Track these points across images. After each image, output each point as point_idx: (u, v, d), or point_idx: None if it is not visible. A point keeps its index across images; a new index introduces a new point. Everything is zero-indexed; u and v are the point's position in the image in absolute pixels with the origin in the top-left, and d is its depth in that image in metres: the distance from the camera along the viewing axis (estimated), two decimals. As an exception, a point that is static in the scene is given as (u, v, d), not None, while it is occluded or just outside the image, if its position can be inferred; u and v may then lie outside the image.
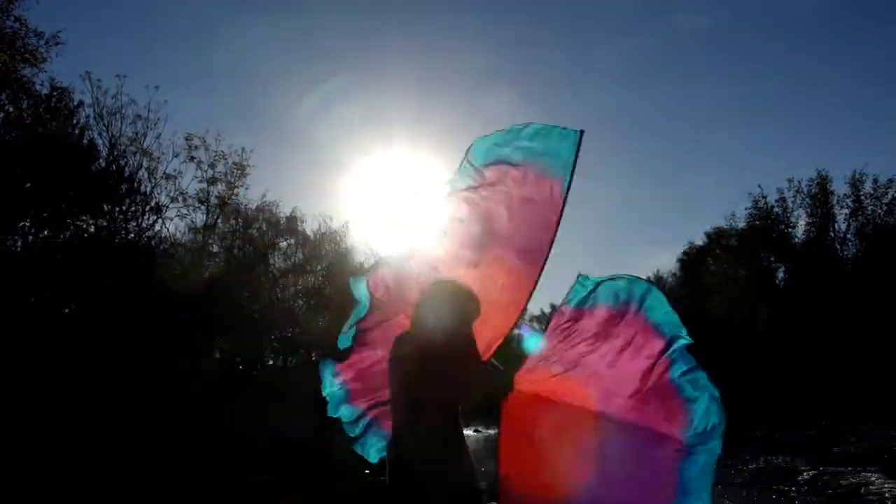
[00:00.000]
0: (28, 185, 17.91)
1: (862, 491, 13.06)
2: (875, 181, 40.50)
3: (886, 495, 12.12)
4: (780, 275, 44.58)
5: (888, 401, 27.31)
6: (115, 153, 22.73)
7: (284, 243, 31.97)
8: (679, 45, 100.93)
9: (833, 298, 37.68)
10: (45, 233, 19.28)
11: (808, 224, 42.64)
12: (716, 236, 49.06)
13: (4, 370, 13.79)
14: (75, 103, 21.20)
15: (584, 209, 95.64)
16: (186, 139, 25.49)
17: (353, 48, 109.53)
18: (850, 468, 15.08)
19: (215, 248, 27.99)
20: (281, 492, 13.24)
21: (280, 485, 13.73)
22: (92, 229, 21.02)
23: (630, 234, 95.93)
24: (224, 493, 12.56)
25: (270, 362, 31.29)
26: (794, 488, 13.05)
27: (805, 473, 14.79)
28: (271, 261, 31.44)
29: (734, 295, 43.07)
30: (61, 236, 19.65)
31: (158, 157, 24.24)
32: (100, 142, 22.43)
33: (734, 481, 13.91)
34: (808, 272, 40.55)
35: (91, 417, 14.38)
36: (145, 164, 23.79)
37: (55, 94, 20.01)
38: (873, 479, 13.46)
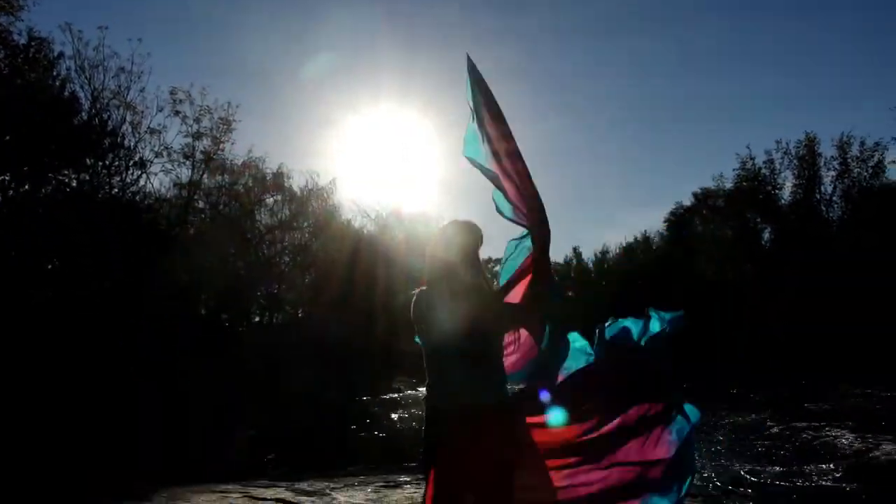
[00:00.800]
0: (7, 137, 17.71)
1: (815, 443, 13.37)
2: (862, 144, 40.63)
3: (839, 444, 12.45)
4: (766, 235, 44.73)
5: (870, 362, 27.76)
6: (98, 106, 22.41)
7: (271, 200, 31.95)
8: (665, 6, 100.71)
9: (818, 260, 37.93)
10: (26, 187, 19.13)
11: (794, 186, 42.78)
12: (703, 196, 49.35)
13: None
14: (55, 55, 20.86)
15: (574, 169, 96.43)
16: (171, 93, 25.23)
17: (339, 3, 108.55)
18: (819, 424, 15.38)
19: (201, 204, 27.91)
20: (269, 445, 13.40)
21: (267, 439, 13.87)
22: (74, 184, 20.83)
23: (618, 194, 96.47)
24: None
25: (256, 319, 31.45)
26: (762, 442, 13.36)
27: (774, 428, 15.09)
28: (257, 217, 31.46)
29: (720, 255, 43.55)
30: (43, 191, 19.49)
31: (142, 112, 23.96)
32: (81, 95, 22.11)
33: (707, 437, 14.19)
34: (794, 233, 40.86)
35: (81, 367, 14.49)
36: (129, 118, 23.48)
37: (34, 44, 19.67)
38: (839, 433, 13.72)
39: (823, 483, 9.03)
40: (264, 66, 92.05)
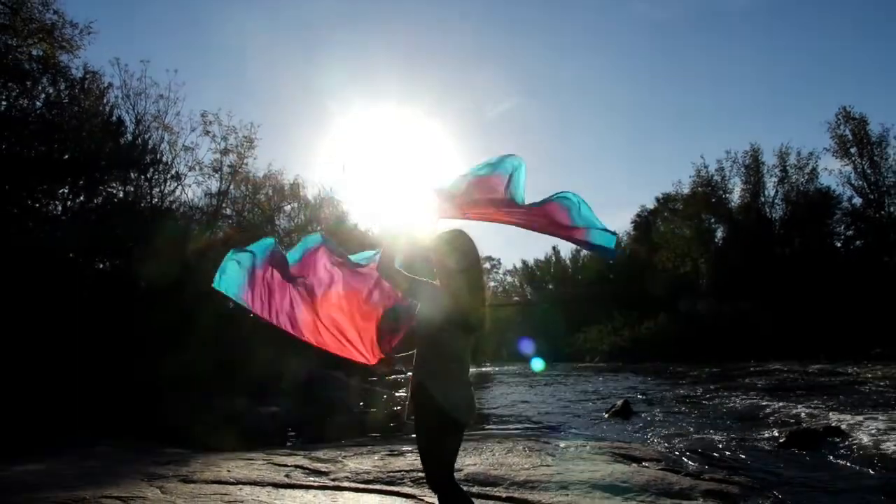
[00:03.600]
0: (66, 156, 18.05)
1: (739, 406, 13.75)
2: (798, 154, 41.75)
3: (775, 413, 12.79)
4: (719, 234, 45.56)
5: (805, 344, 28.27)
6: (141, 128, 23.05)
7: (288, 207, 32.55)
8: (635, 34, 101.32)
9: (762, 253, 39.17)
10: (81, 198, 19.45)
11: (742, 190, 43.92)
12: (664, 200, 50.12)
13: (46, 320, 14.07)
14: (105, 85, 21.46)
15: (553, 174, 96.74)
16: (202, 116, 25.86)
17: (345, 27, 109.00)
18: (748, 395, 15.77)
19: (228, 211, 28.29)
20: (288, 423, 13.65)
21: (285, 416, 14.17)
22: (121, 195, 21.23)
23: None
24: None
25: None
26: (694, 410, 13.67)
27: (706, 400, 15.43)
28: (277, 222, 31.87)
29: (679, 251, 44.23)
30: (95, 201, 19.82)
31: (178, 132, 24.64)
32: (127, 118, 22.75)
33: (662, 408, 14.46)
34: (742, 232, 41.84)
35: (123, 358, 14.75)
36: (166, 137, 24.13)
37: (88, 76, 20.25)
38: (763, 402, 14.08)
39: (769, 448, 9.18)
40: (286, 90, 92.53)
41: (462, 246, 3.38)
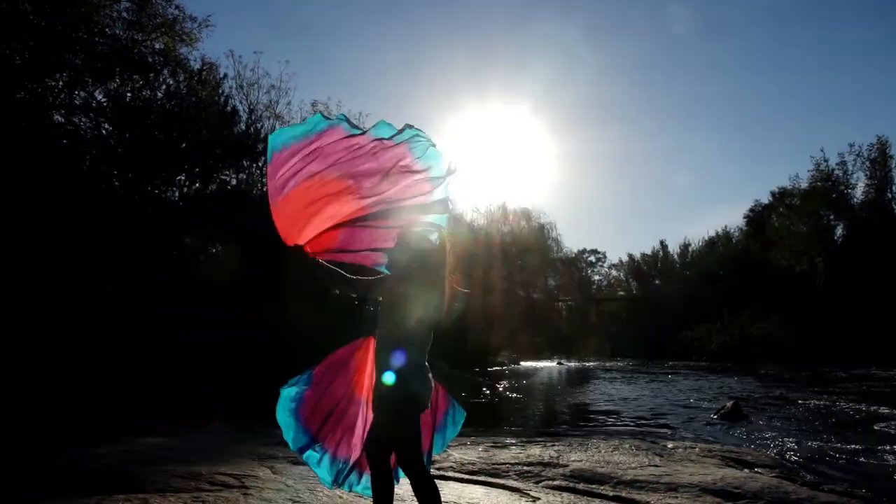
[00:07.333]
0: (183, 145, 18.90)
1: (860, 416, 12.92)
2: (933, 145, 39.19)
3: (871, 416, 11.99)
4: (839, 231, 43.16)
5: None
6: (253, 118, 23.96)
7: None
8: (752, 20, 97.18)
9: (889, 254, 36.70)
10: (197, 185, 20.36)
11: (866, 185, 41.52)
12: (780, 195, 48.08)
13: (164, 300, 14.80)
14: (221, 76, 22.41)
15: (660, 169, 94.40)
16: (312, 105, 26.53)
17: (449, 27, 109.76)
18: (870, 403, 14.78)
19: (339, 200, 28.95)
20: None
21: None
22: (234, 182, 22.10)
23: (700, 192, 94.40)
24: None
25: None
26: (810, 417, 13.05)
27: (824, 407, 14.63)
28: (391, 208, 32.36)
29: (795, 248, 42.23)
30: (209, 188, 20.70)
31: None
32: (240, 108, 23.68)
33: (762, 411, 13.89)
34: (866, 229, 39.44)
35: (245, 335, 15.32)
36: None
37: (205, 68, 21.16)
38: (887, 412, 13.20)
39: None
40: (391, 79, 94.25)
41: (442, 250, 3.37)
